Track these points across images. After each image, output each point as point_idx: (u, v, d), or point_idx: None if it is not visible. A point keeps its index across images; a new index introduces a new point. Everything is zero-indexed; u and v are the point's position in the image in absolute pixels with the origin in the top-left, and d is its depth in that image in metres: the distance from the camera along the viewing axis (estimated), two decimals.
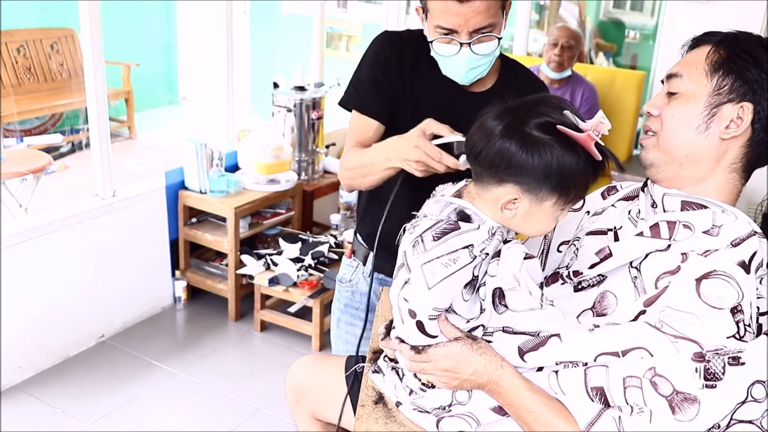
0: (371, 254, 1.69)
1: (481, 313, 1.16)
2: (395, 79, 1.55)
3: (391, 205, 1.44)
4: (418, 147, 1.32)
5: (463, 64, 1.44)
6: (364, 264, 1.72)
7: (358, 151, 1.55)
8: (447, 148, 1.31)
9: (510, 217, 1.11)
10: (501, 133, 1.07)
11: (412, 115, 1.55)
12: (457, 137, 1.30)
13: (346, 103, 1.61)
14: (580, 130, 1.04)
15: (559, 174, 1.05)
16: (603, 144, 1.06)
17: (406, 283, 1.09)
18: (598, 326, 1.08)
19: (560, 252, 1.33)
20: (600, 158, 1.05)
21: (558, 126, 1.04)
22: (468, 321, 1.15)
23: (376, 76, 1.56)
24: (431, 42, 1.45)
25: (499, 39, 1.44)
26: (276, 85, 3.64)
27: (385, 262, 1.65)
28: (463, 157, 1.25)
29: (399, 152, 1.37)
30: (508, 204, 1.10)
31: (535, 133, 1.05)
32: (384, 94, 1.56)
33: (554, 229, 1.37)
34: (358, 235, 1.76)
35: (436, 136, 1.34)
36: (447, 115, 1.53)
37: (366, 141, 1.57)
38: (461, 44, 1.41)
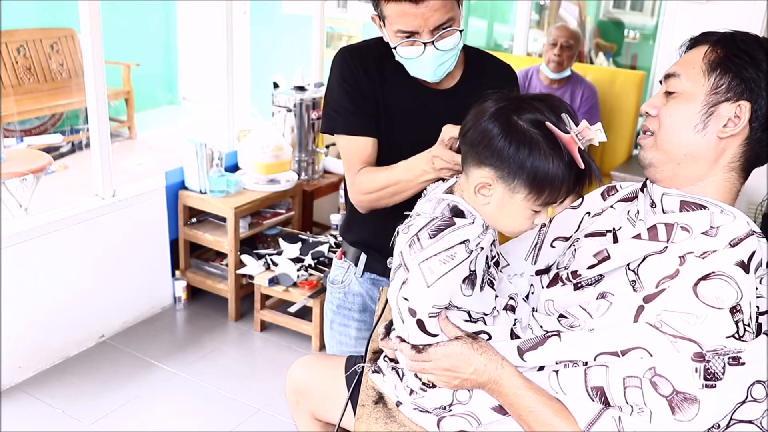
0: (362, 255, 1.69)
1: (494, 310, 1.16)
2: (369, 90, 1.54)
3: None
4: (437, 156, 1.33)
5: (429, 63, 1.44)
6: (356, 265, 1.71)
7: (373, 172, 1.52)
8: None
9: (484, 203, 1.11)
10: (490, 115, 1.09)
11: (388, 122, 1.55)
12: None
13: (332, 129, 1.59)
14: (568, 132, 1.04)
15: (534, 169, 1.05)
16: (586, 152, 1.06)
17: (404, 282, 1.09)
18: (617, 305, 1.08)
19: (553, 247, 1.33)
20: (583, 166, 1.05)
21: (546, 123, 1.04)
22: (476, 321, 1.15)
23: (350, 93, 1.54)
24: (395, 48, 1.44)
25: (461, 31, 1.44)
26: (276, 85, 3.64)
27: (377, 262, 1.66)
28: None
29: (431, 164, 1.37)
30: (482, 189, 1.10)
31: (521, 123, 1.06)
32: (364, 109, 1.55)
33: (550, 222, 1.37)
34: (344, 240, 1.75)
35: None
36: (422, 116, 1.53)
37: (369, 159, 1.55)
38: (425, 44, 1.40)
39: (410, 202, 1.25)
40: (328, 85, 1.60)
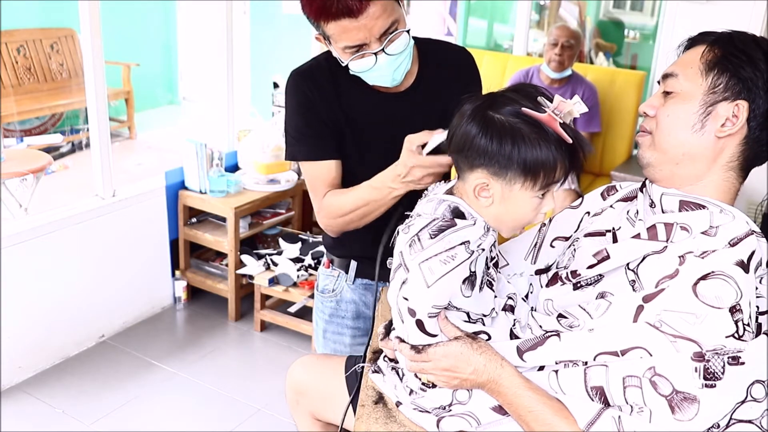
0: (353, 262, 1.66)
1: (492, 311, 1.16)
2: (326, 112, 1.51)
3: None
4: (415, 166, 1.30)
5: (385, 70, 1.40)
6: (347, 272, 1.68)
7: (340, 194, 1.50)
8: (437, 151, 1.29)
9: (488, 205, 1.11)
10: (468, 116, 1.09)
11: (353, 135, 1.52)
12: (440, 136, 1.28)
13: (294, 156, 1.56)
14: (545, 112, 1.04)
15: (522, 156, 1.05)
16: (571, 126, 1.06)
17: (404, 282, 1.09)
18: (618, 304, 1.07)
19: (553, 247, 1.33)
20: (570, 140, 1.05)
21: (522, 109, 1.05)
22: (475, 321, 1.15)
23: (307, 119, 1.52)
24: (347, 64, 1.41)
25: (408, 31, 1.40)
26: (276, 85, 3.64)
27: (369, 268, 1.63)
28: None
29: (400, 179, 1.34)
30: (482, 191, 1.10)
31: (498, 116, 1.06)
32: (323, 133, 1.51)
33: (550, 222, 1.37)
34: (330, 253, 1.72)
35: (423, 146, 1.31)
36: (387, 122, 1.50)
37: (334, 182, 1.52)
38: (375, 54, 1.36)
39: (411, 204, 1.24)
40: (285, 112, 1.56)
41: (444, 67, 1.55)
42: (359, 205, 1.45)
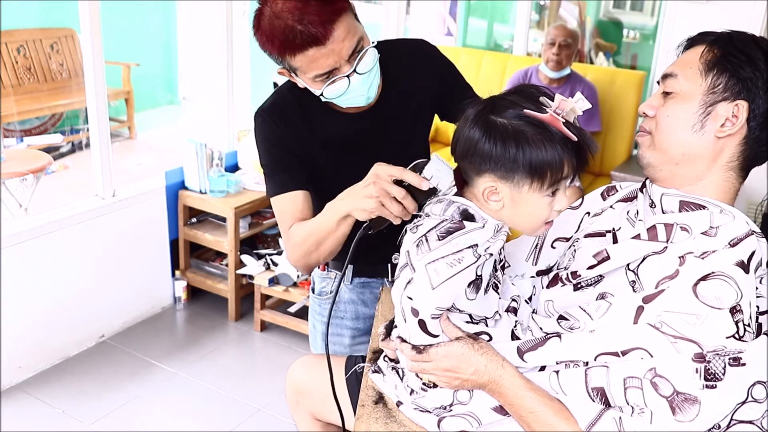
0: (349, 266, 1.61)
1: (495, 314, 1.16)
2: (296, 144, 1.47)
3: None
4: (374, 172, 1.24)
5: (359, 90, 1.37)
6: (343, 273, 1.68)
7: (300, 224, 1.45)
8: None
9: (499, 209, 1.10)
10: (470, 122, 1.09)
11: (331, 160, 1.49)
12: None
13: (267, 193, 1.52)
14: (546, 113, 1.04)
15: (527, 158, 1.04)
16: (575, 124, 1.06)
17: (409, 282, 1.09)
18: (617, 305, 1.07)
19: (554, 248, 1.33)
20: (575, 138, 1.04)
21: (524, 111, 1.04)
22: (477, 323, 1.15)
23: (272, 153, 1.48)
24: (321, 93, 1.37)
25: (375, 46, 1.37)
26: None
27: (366, 265, 1.63)
28: (429, 172, 1.20)
29: (360, 187, 1.27)
30: (491, 195, 1.09)
31: (500, 120, 1.06)
32: (291, 164, 1.47)
33: None
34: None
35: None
36: (362, 140, 1.48)
37: (301, 214, 1.47)
38: (348, 76, 1.33)
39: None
40: (258, 152, 1.52)
41: (407, 66, 1.52)
42: (310, 233, 1.40)
